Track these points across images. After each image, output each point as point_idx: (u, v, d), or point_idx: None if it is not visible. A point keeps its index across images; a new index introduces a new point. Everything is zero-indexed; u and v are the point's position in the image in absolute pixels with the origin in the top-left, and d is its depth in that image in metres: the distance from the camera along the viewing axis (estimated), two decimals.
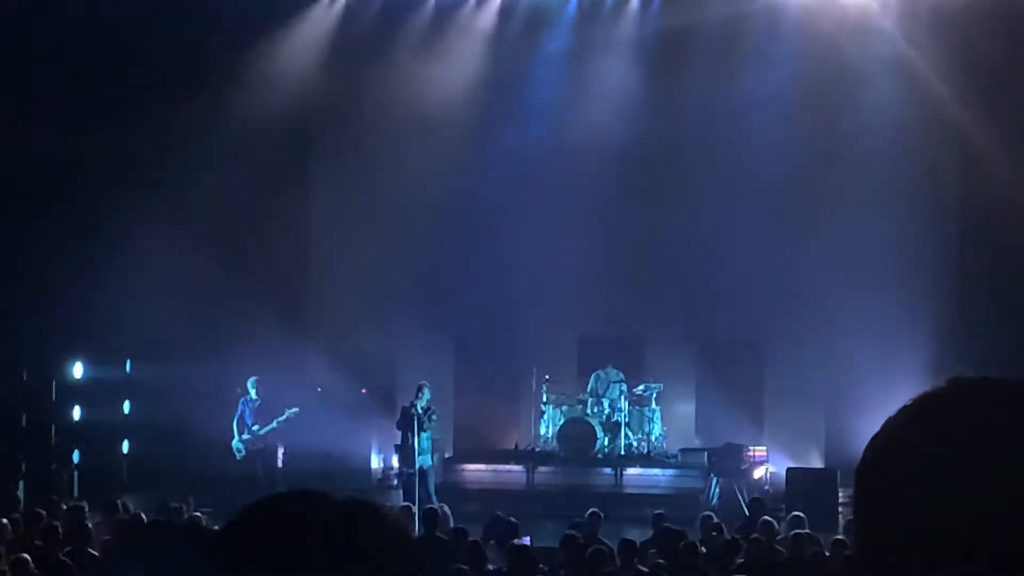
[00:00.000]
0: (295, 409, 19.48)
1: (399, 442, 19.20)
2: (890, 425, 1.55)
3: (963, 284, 21.08)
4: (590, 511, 14.39)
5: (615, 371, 21.41)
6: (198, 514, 14.35)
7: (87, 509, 14.11)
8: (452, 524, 14.43)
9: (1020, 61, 20.12)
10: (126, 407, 21.42)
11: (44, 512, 13.63)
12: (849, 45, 21.42)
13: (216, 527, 12.85)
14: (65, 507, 14.33)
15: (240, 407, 19.56)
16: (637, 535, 13.81)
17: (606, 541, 13.08)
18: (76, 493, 19.05)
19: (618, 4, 22.63)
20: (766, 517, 14.32)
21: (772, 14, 21.66)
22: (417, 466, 18.64)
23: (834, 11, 21.55)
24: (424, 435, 18.86)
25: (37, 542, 12.21)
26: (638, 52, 22.26)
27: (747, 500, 17.29)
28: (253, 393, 19.57)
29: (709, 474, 19.59)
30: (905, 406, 1.55)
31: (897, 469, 1.51)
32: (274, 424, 19.50)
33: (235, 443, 19.46)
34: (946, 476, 1.47)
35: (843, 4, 21.63)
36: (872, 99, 21.30)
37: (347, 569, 1.68)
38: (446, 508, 15.82)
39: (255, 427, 19.45)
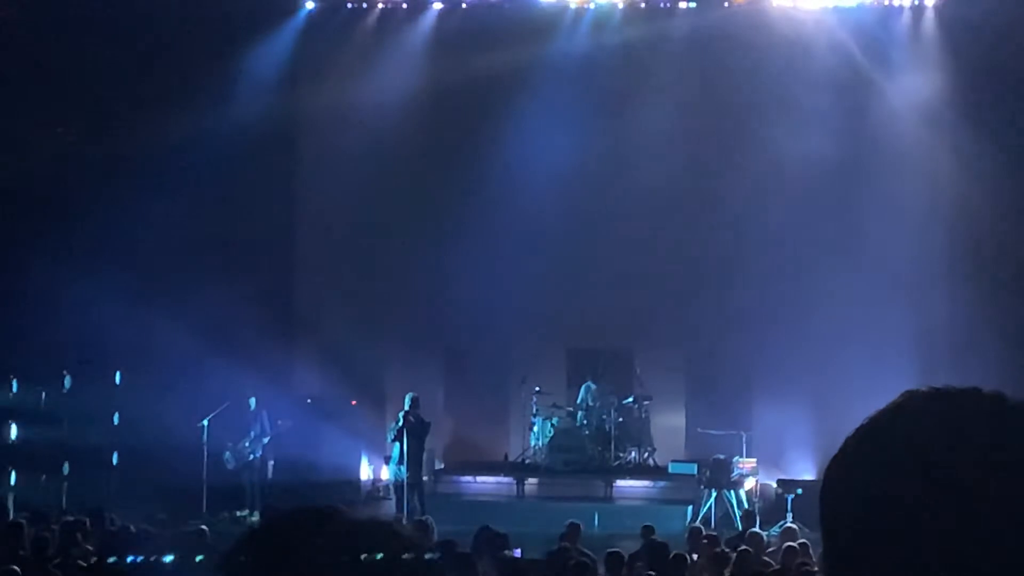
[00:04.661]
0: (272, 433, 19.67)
1: (390, 453, 19.16)
2: (846, 445, 1.55)
3: (954, 294, 21.09)
4: (569, 522, 14.27)
5: (593, 383, 21.38)
6: (204, 528, 14.23)
7: (75, 521, 14.06)
8: (437, 536, 14.34)
9: (1014, 69, 20.22)
10: (114, 419, 21.34)
11: (24, 523, 13.58)
12: (844, 57, 21.51)
13: (209, 540, 12.78)
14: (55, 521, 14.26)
15: (255, 419, 19.70)
16: (627, 547, 13.75)
17: (588, 552, 13.02)
18: (64, 506, 18.97)
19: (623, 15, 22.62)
20: (754, 529, 14.29)
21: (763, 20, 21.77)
22: (408, 477, 18.59)
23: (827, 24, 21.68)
24: (416, 446, 18.82)
25: (21, 552, 12.15)
26: (638, 70, 22.26)
27: (740, 513, 17.30)
28: (253, 404, 19.73)
29: (700, 487, 19.56)
30: (860, 425, 1.55)
31: (851, 488, 1.51)
32: (265, 440, 19.59)
33: (244, 445, 19.62)
34: (896, 493, 1.46)
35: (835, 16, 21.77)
36: (861, 110, 21.37)
37: None
38: (431, 520, 15.75)
39: (251, 437, 19.60)
